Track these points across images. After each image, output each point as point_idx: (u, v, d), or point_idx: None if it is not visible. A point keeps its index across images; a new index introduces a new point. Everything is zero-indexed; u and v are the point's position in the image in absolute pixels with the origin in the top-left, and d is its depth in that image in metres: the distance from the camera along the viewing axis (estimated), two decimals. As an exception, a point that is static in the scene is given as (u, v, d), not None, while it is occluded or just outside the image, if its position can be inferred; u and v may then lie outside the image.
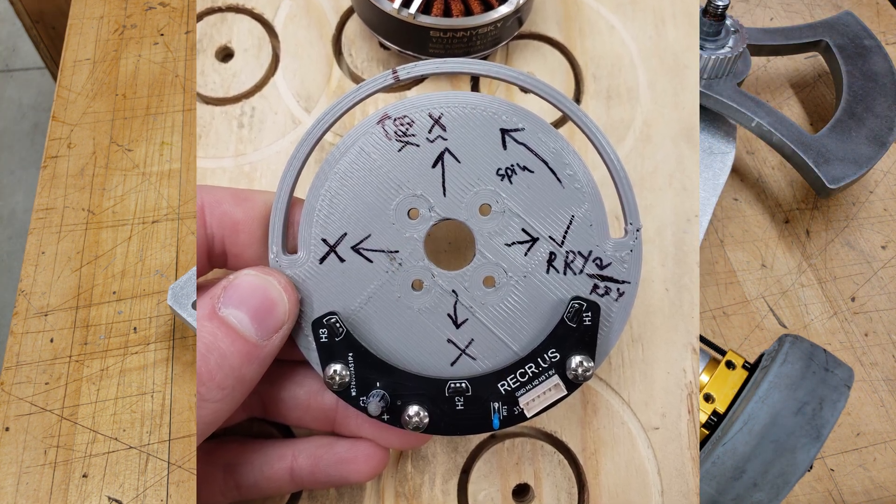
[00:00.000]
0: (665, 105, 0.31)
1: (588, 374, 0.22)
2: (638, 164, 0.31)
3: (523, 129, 0.23)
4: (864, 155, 0.41)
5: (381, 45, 0.33)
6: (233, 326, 0.21)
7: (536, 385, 0.23)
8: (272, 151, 0.31)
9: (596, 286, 0.23)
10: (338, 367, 0.22)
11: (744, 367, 0.32)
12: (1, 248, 1.13)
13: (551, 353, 0.22)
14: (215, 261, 0.24)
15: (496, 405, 0.23)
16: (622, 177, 0.23)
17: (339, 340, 0.22)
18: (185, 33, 0.49)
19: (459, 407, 0.23)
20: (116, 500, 0.32)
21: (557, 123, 0.32)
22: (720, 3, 0.39)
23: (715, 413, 0.31)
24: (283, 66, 0.32)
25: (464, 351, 0.23)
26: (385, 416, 0.23)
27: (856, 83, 0.44)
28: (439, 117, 0.23)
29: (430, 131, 0.23)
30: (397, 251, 0.23)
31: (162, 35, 0.49)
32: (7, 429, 0.34)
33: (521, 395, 0.23)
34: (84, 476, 0.33)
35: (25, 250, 0.40)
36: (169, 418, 0.35)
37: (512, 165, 0.23)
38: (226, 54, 0.33)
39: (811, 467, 0.29)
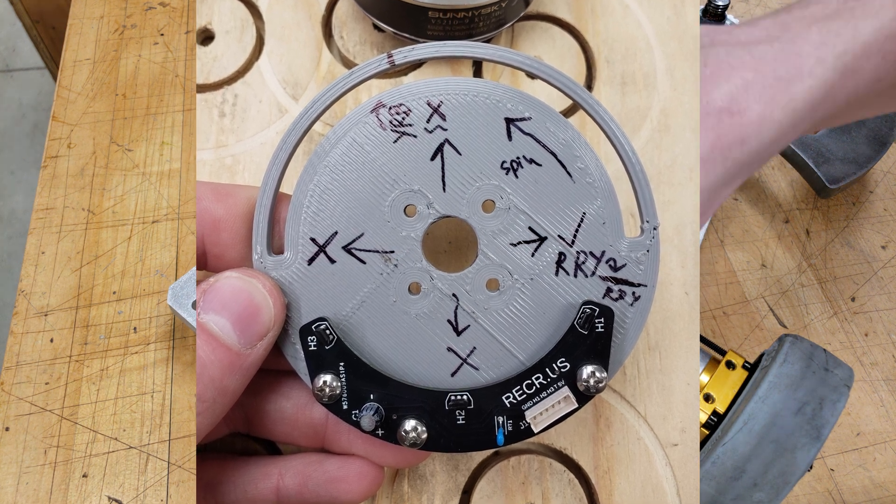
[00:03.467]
0: (685, 92, 0.31)
1: (601, 385, 0.22)
2: (655, 157, 0.31)
3: (530, 119, 0.23)
4: (864, 155, 0.45)
5: (375, 26, 0.33)
6: (213, 333, 0.21)
7: (544, 397, 0.23)
8: (256, 143, 0.31)
9: (609, 289, 0.23)
10: (328, 377, 0.22)
11: (744, 367, 0.34)
12: (1, 248, 1.21)
13: (560, 362, 0.22)
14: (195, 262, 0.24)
15: (501, 419, 0.23)
16: (638, 170, 0.23)
17: (330, 349, 0.22)
18: (185, 33, 0.52)
19: (460, 421, 0.23)
20: (116, 500, 0.34)
21: (567, 112, 0.32)
22: (720, 3, 0.42)
23: (715, 413, 0.32)
24: (269, 49, 0.32)
25: (465, 360, 0.23)
26: (379, 432, 0.23)
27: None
28: (438, 105, 0.23)
29: (428, 121, 0.23)
30: (393, 251, 0.23)
31: (162, 35, 0.52)
32: (7, 429, 0.37)
33: (528, 408, 0.23)
34: (84, 476, 0.35)
35: (25, 250, 0.43)
36: (169, 418, 0.37)
37: (518, 158, 0.23)
38: (206, 37, 0.33)
39: (811, 467, 0.30)
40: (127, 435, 0.37)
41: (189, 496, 0.35)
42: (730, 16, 0.45)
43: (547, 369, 0.23)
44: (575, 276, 0.23)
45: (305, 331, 0.23)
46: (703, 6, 0.43)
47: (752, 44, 0.28)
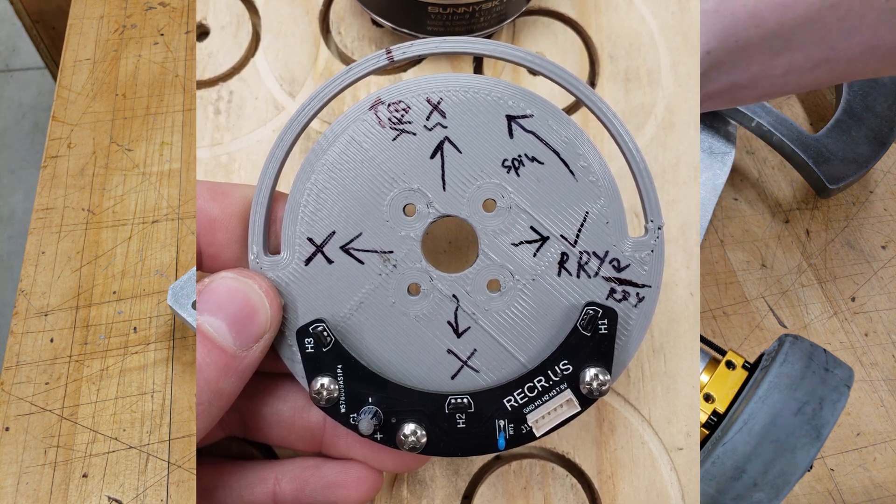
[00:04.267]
0: (690, 89, 0.31)
1: (604, 388, 0.22)
2: (659, 155, 0.30)
3: (532, 116, 0.23)
4: (864, 155, 0.46)
5: (374, 21, 0.33)
6: (208, 335, 0.21)
7: (547, 401, 0.22)
8: (252, 140, 0.31)
9: (613, 290, 0.23)
10: (325, 380, 0.22)
11: (744, 367, 0.34)
12: (1, 248, 1.24)
13: (563, 364, 0.22)
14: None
15: (502, 423, 0.23)
16: (642, 168, 0.23)
17: (327, 351, 0.22)
18: (185, 33, 0.53)
19: (461, 425, 0.23)
20: (116, 500, 0.35)
21: (570, 109, 0.31)
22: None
23: (715, 413, 0.33)
24: (265, 45, 0.32)
25: (465, 363, 0.23)
26: (378, 436, 0.22)
27: (856, 83, 0.47)
28: (438, 102, 0.23)
29: (428, 118, 0.23)
30: (392, 251, 0.23)
31: (162, 35, 0.53)
32: (7, 429, 0.37)
33: (530, 411, 0.23)
34: (84, 476, 0.36)
35: (25, 250, 0.44)
36: (169, 418, 0.38)
37: (519, 156, 0.23)
38: (201, 32, 0.33)
39: (811, 467, 0.31)
40: (127, 435, 0.37)
41: (189, 496, 0.36)
42: None
43: (549, 372, 0.22)
44: (578, 276, 0.23)
45: (302, 332, 0.22)
46: None
47: None
